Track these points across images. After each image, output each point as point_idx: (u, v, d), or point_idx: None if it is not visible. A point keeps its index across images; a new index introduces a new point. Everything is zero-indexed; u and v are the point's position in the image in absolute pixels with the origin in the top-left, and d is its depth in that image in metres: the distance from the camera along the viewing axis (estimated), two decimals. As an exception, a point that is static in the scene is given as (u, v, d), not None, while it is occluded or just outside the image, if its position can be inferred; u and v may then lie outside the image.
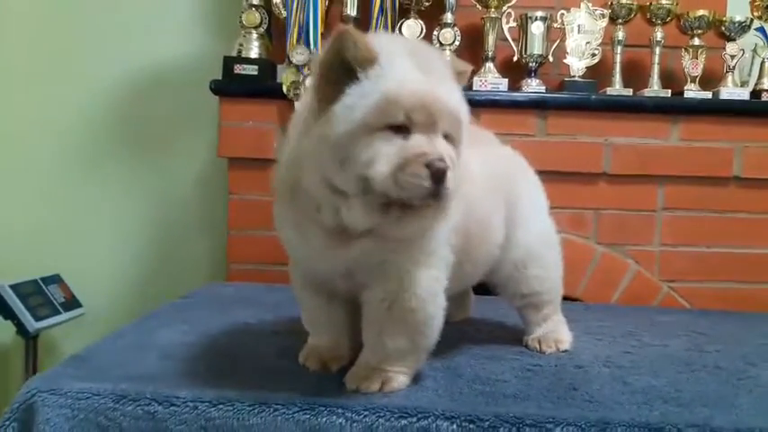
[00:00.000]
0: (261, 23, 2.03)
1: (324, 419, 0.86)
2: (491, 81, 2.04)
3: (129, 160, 2.38)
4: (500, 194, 1.10)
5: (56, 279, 2.29)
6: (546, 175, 1.99)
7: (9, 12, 2.32)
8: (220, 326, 1.25)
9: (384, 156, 0.81)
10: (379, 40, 0.84)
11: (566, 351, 1.22)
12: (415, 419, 0.86)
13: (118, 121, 2.37)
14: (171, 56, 2.35)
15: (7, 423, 0.86)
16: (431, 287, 0.97)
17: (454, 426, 0.86)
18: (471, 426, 0.86)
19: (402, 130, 0.82)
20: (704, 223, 2.03)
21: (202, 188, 2.36)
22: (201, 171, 2.36)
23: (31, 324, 2.08)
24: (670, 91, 2.05)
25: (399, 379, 0.96)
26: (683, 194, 2.03)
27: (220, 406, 0.86)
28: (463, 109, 0.88)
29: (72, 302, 2.28)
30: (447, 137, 0.85)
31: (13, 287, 2.08)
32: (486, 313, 1.48)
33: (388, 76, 0.82)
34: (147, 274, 2.40)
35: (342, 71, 0.82)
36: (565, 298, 1.97)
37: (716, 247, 2.03)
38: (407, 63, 0.83)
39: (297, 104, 0.98)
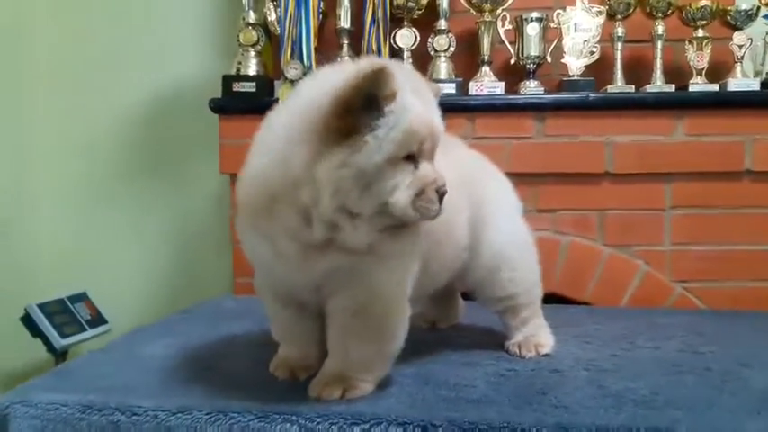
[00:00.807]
0: (258, 41, 2.08)
1: (278, 427, 0.87)
2: (487, 85, 2.03)
3: (148, 181, 2.48)
4: (463, 195, 1.10)
5: (82, 297, 2.39)
6: (547, 178, 2.00)
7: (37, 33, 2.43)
8: (205, 339, 1.28)
9: (404, 185, 0.89)
10: (395, 72, 0.88)
11: (546, 355, 1.20)
12: (367, 426, 0.86)
13: (137, 142, 2.47)
14: (182, 78, 2.43)
15: (-18, 434, 0.91)
16: (395, 294, 0.97)
17: (407, 432, 0.85)
18: (424, 432, 0.85)
19: (412, 158, 0.90)
20: (716, 220, 1.97)
21: (217, 205, 2.44)
22: (216, 188, 2.43)
23: (58, 341, 2.17)
24: (674, 86, 1.99)
25: (362, 386, 0.96)
26: (692, 191, 1.97)
27: (179, 414, 0.88)
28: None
29: (98, 319, 2.37)
30: None
31: (40, 306, 2.18)
32: (476, 319, 1.46)
33: (408, 110, 0.89)
34: (168, 290, 2.48)
35: (366, 103, 0.86)
36: (572, 302, 1.97)
37: (730, 244, 1.96)
38: (410, 93, 0.90)
39: (269, 121, 0.97)
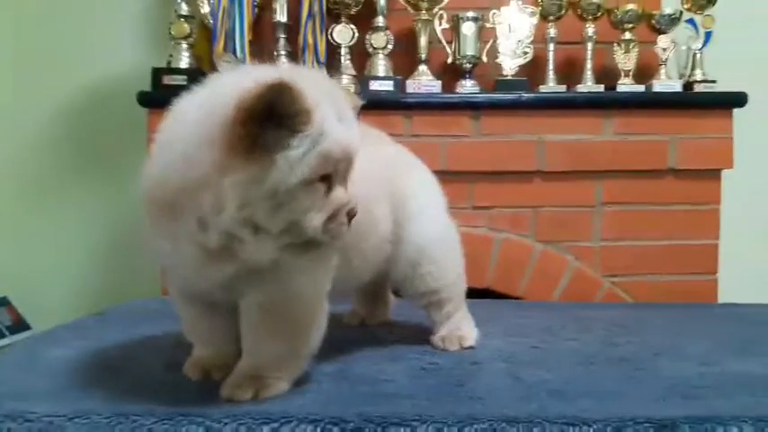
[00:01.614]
0: (190, 34, 2.03)
1: (183, 429, 0.83)
2: (424, 83, 2.04)
3: (76, 178, 2.38)
4: (384, 189, 1.10)
5: (3, 302, 2.28)
6: (482, 176, 2.02)
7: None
8: (118, 340, 1.23)
9: (316, 208, 0.86)
10: (307, 89, 0.83)
11: (470, 348, 1.20)
12: (277, 424, 0.84)
13: (65, 137, 2.37)
14: (114, 72, 2.35)
15: None
16: (310, 292, 0.95)
17: (318, 429, 0.84)
18: (335, 428, 0.84)
19: (326, 178, 0.87)
20: (643, 217, 2.03)
21: (149, 202, 2.35)
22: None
23: (-26, 348, 2.06)
24: (603, 86, 2.05)
25: (276, 385, 0.94)
26: (620, 189, 2.03)
27: (76, 419, 0.83)
28: None
29: (20, 325, 2.27)
30: None
31: (-45, 310, 2.07)
32: (407, 316, 1.45)
33: (326, 134, 0.84)
34: (98, 294, 2.38)
35: (267, 115, 0.80)
36: (506, 297, 2.00)
37: (655, 240, 2.03)
38: (330, 113, 0.85)
39: (175, 112, 0.92)
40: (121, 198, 2.36)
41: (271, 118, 0.80)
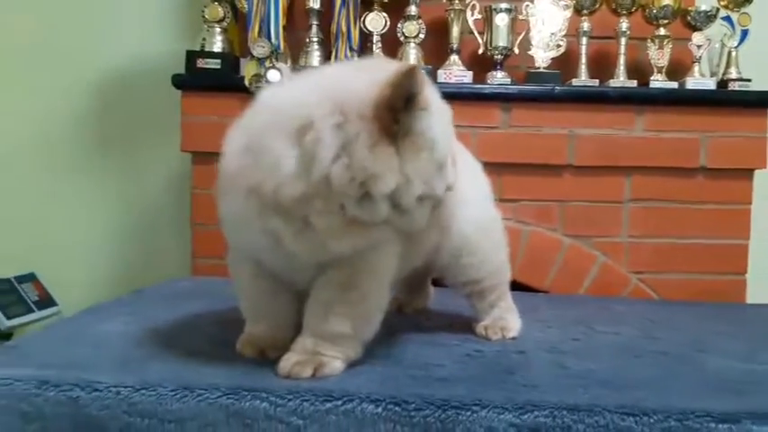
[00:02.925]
0: (224, 18, 2.03)
1: (247, 404, 0.85)
2: (455, 74, 2.03)
3: (102, 158, 2.39)
4: None
5: (30, 278, 2.29)
6: (511, 168, 2.02)
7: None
8: (162, 317, 1.24)
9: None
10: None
11: (513, 338, 1.21)
12: (340, 402, 0.85)
13: (95, 118, 2.37)
14: (144, 54, 2.35)
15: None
16: (384, 275, 0.97)
17: (379, 409, 0.85)
18: (397, 408, 0.85)
19: None
20: (671, 214, 2.03)
21: (175, 184, 2.36)
22: (176, 166, 2.36)
23: (2, 322, 2.08)
24: (636, 82, 2.04)
25: (333, 364, 0.95)
26: (650, 185, 2.02)
27: (143, 391, 0.85)
28: None
29: (47, 301, 2.28)
30: None
31: (-17, 286, 2.08)
32: (446, 304, 1.46)
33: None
34: (124, 272, 2.40)
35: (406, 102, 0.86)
36: (532, 290, 2.00)
37: (683, 238, 2.03)
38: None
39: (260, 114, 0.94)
40: (149, 178, 2.38)
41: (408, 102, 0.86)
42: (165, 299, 1.46)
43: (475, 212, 1.18)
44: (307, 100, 0.88)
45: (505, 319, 1.23)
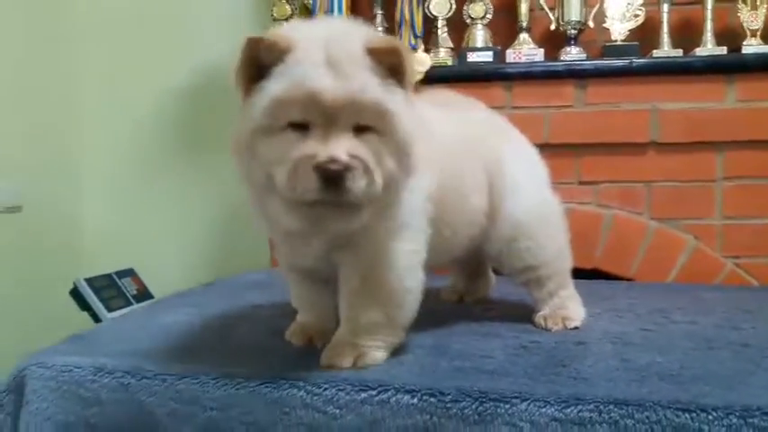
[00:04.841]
0: (292, 14, 2.07)
1: (285, 392, 0.86)
2: (525, 52, 1.95)
3: (191, 158, 2.52)
4: (474, 156, 1.06)
5: (129, 273, 2.46)
6: (588, 148, 1.92)
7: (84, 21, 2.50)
8: (225, 309, 1.29)
9: (281, 158, 0.80)
10: (295, 34, 0.84)
11: (575, 328, 1.14)
12: (375, 392, 0.84)
13: (180, 120, 2.50)
14: (223, 55, 2.44)
15: (4, 394, 0.94)
16: (406, 260, 0.95)
17: (415, 399, 0.83)
18: (432, 399, 0.83)
19: (303, 128, 0.80)
20: (771, 192, 1.84)
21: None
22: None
23: (104, 315, 2.25)
24: (725, 48, 1.86)
25: (374, 354, 0.94)
26: (744, 161, 1.84)
27: (186, 379, 0.88)
28: (386, 98, 0.82)
29: (144, 294, 2.44)
30: (364, 130, 0.81)
31: (87, 281, 2.26)
32: (507, 293, 1.41)
33: (286, 75, 0.80)
34: (212, 266, 2.52)
35: (255, 68, 0.83)
36: (616, 278, 1.88)
37: (787, 217, 1.83)
38: (317, 56, 0.80)
39: None
40: (234, 174, 2.47)
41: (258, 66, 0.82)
42: (232, 290, 1.51)
43: (528, 198, 1.13)
44: None
45: (567, 308, 1.17)
